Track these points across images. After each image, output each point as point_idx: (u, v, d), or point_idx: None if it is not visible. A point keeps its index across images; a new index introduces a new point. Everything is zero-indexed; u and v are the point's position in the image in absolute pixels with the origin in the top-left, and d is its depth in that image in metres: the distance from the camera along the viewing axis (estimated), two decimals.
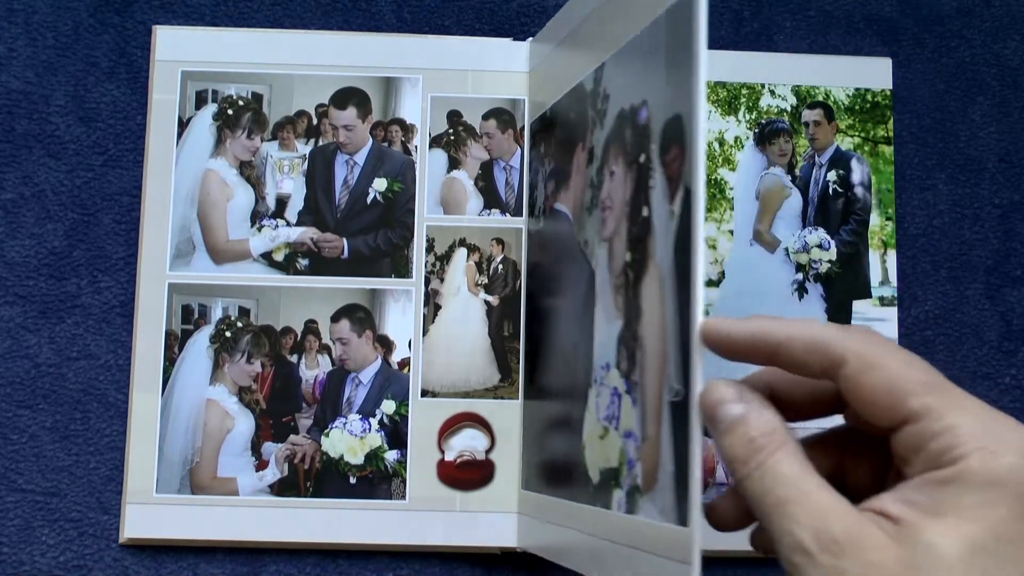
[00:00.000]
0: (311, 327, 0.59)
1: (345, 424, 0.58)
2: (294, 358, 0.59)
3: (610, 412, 0.46)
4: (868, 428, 0.34)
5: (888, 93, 0.62)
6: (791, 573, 0.31)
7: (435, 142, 0.61)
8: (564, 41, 0.55)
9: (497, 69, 0.61)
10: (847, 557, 0.29)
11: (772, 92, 0.61)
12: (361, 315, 0.59)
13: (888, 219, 0.61)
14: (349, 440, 0.58)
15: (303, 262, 0.59)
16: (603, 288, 0.48)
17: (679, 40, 0.39)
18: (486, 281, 0.60)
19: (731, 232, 0.60)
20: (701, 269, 0.37)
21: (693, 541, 0.35)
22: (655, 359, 0.41)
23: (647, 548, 0.40)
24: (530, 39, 0.61)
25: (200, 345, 0.58)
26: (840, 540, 0.29)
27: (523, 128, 0.61)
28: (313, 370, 0.59)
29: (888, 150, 0.61)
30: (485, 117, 0.61)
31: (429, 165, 0.60)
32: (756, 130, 0.61)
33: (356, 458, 0.58)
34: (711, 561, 0.57)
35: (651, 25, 0.43)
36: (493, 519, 0.57)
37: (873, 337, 0.32)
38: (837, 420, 0.38)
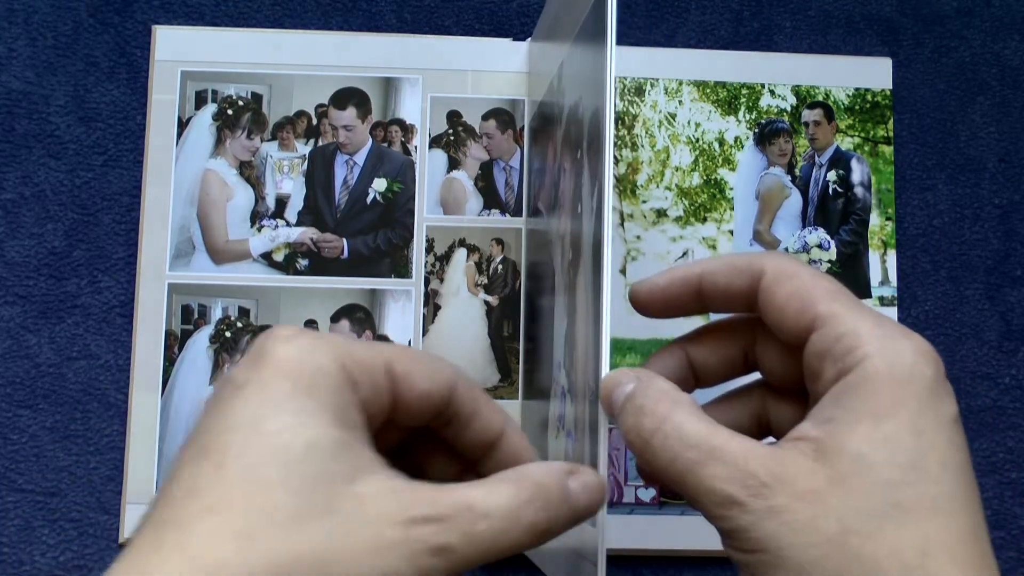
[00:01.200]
0: (311, 327, 0.59)
1: None
2: None
3: (561, 411, 0.46)
4: (781, 370, 0.35)
5: (888, 93, 0.62)
6: (722, 527, 0.30)
7: (435, 142, 0.61)
8: (546, 38, 0.55)
9: (497, 69, 0.61)
10: (778, 495, 0.29)
11: (772, 92, 0.61)
12: (361, 315, 0.59)
13: (888, 219, 0.61)
14: None
15: (303, 262, 0.59)
16: (559, 287, 0.48)
17: (601, 33, 0.39)
18: (485, 281, 0.60)
19: (731, 232, 0.60)
20: (607, 268, 0.36)
21: (599, 542, 0.35)
22: (582, 358, 0.41)
23: (578, 549, 0.39)
24: (529, 39, 0.61)
25: (200, 345, 0.58)
26: (767, 481, 0.29)
27: (523, 128, 0.61)
28: None
29: (888, 150, 0.61)
30: (485, 117, 0.61)
31: (429, 165, 0.60)
32: (756, 130, 0.61)
33: None
34: (691, 560, 0.57)
35: (585, 19, 0.42)
36: None
37: (786, 255, 0.34)
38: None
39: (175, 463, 0.28)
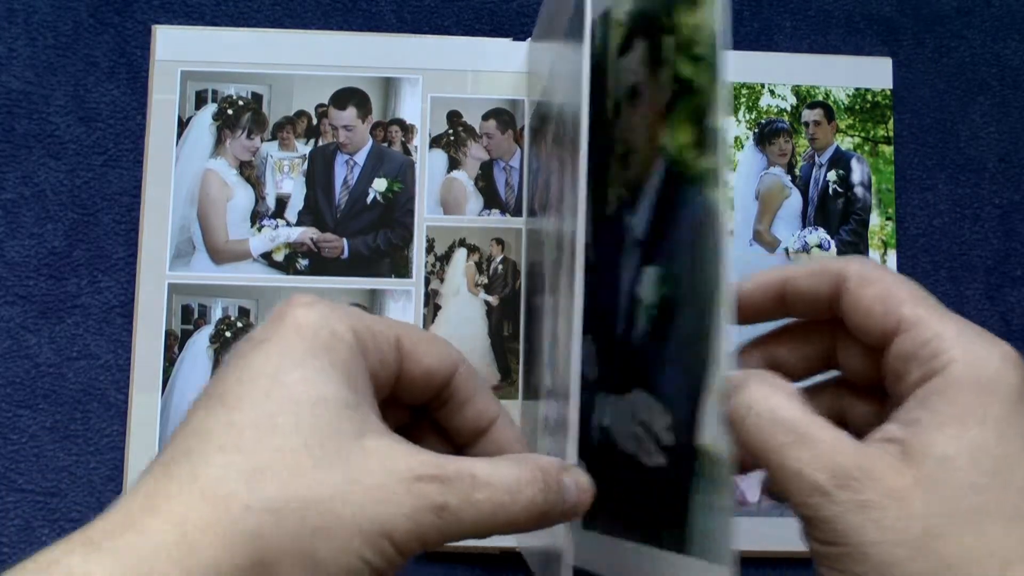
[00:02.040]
0: None
1: None
2: None
3: (547, 412, 0.46)
4: (862, 370, 0.35)
5: (888, 93, 0.62)
6: (807, 516, 0.30)
7: (435, 142, 0.61)
8: (542, 38, 0.55)
9: (497, 69, 0.61)
10: (867, 489, 0.29)
11: (772, 92, 0.61)
12: None
13: (888, 219, 0.61)
14: None
15: (303, 262, 0.59)
16: (549, 288, 0.48)
17: (578, 38, 0.38)
18: (486, 281, 0.60)
19: (731, 232, 0.60)
20: (580, 274, 0.36)
21: (560, 537, 0.34)
22: (563, 357, 0.40)
23: (553, 544, 0.39)
24: (529, 39, 0.61)
25: (200, 345, 0.58)
26: (855, 474, 0.29)
27: (523, 128, 0.61)
28: None
29: (888, 150, 0.61)
30: (485, 117, 0.61)
31: (429, 165, 0.60)
32: (756, 130, 0.61)
33: None
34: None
35: (571, 18, 0.42)
36: None
37: (868, 260, 0.35)
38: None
39: (189, 411, 0.30)
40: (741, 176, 0.61)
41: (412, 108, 0.61)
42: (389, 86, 0.61)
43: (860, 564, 0.29)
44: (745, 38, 0.63)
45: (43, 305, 0.59)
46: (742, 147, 0.61)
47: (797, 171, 0.61)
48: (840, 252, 0.60)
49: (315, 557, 0.27)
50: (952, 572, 0.28)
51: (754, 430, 0.31)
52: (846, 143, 0.61)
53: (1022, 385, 0.30)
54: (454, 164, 0.61)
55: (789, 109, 0.61)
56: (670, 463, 0.37)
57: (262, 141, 0.60)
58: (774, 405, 0.31)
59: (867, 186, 0.61)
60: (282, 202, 0.60)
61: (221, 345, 0.58)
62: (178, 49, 0.60)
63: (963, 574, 0.28)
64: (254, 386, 0.29)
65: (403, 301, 0.59)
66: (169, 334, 0.58)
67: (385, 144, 0.61)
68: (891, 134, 0.61)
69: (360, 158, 0.61)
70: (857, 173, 0.61)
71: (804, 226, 0.60)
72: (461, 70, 0.61)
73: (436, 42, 0.61)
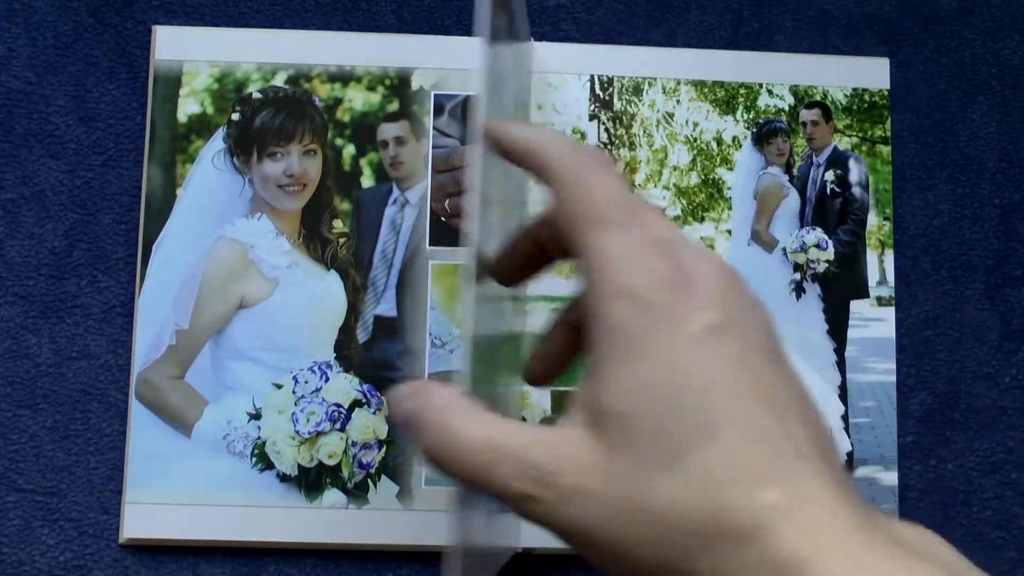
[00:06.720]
0: None
1: None
2: None
3: None
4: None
5: (885, 93, 0.62)
6: (531, 521, 0.29)
7: None
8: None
9: None
10: (567, 477, 0.28)
11: (770, 92, 0.61)
12: None
13: (885, 219, 0.61)
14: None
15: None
16: None
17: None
18: None
19: (729, 232, 0.60)
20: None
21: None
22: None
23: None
24: (531, 39, 0.61)
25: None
26: (553, 468, 0.29)
27: None
28: None
29: (886, 150, 0.61)
30: None
31: None
32: (754, 129, 0.61)
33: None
34: None
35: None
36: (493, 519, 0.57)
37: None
38: None
39: None
40: (739, 176, 0.61)
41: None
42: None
43: (595, 551, 0.28)
44: (745, 38, 0.63)
45: (43, 305, 0.59)
46: (740, 147, 0.61)
47: (795, 171, 0.61)
48: (838, 252, 0.60)
49: None
50: (662, 524, 0.27)
51: (453, 461, 0.30)
52: (843, 143, 0.61)
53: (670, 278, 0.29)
54: None
55: (787, 109, 0.61)
56: None
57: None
58: (460, 428, 0.30)
59: (864, 186, 0.61)
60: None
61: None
62: (178, 49, 0.60)
63: (671, 522, 0.27)
64: None
65: None
66: None
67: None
68: (888, 134, 0.61)
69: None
70: (855, 173, 0.61)
71: (802, 226, 0.60)
72: (462, 69, 0.61)
73: (436, 41, 0.61)
